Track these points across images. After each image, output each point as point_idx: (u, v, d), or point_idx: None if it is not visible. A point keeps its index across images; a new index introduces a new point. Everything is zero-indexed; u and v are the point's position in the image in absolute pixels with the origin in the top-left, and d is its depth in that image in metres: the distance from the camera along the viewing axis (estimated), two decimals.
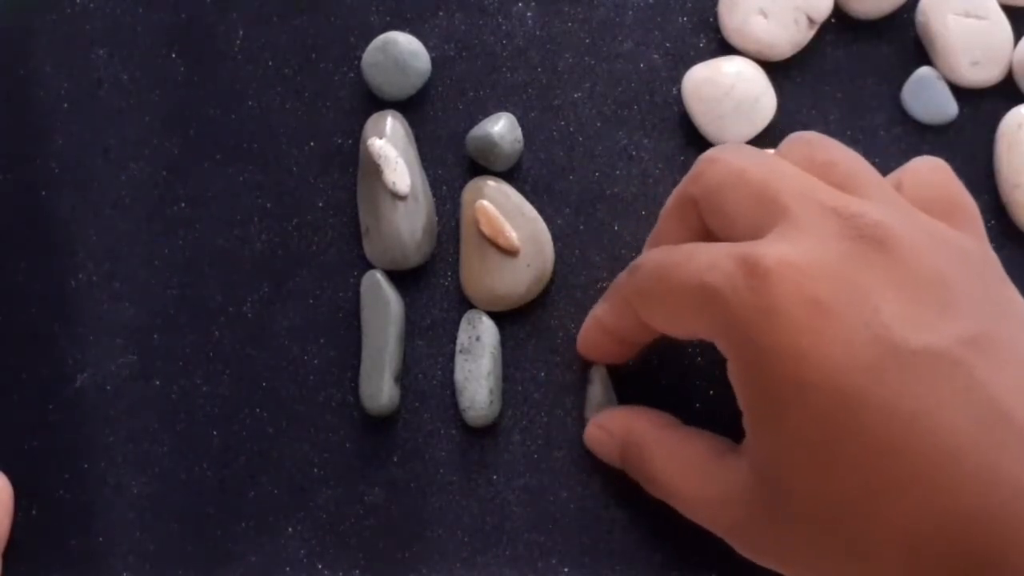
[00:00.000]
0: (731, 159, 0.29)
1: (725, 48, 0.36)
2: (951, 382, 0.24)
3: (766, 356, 0.25)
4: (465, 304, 0.35)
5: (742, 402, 0.27)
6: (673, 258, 0.28)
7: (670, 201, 0.31)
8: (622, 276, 0.31)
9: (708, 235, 0.29)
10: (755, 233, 0.27)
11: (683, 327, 0.29)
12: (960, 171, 0.30)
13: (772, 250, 0.26)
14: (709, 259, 0.27)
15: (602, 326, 0.32)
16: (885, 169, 0.30)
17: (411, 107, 0.36)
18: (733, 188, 0.28)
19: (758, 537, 0.28)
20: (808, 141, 0.29)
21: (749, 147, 0.30)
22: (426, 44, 0.36)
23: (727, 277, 0.26)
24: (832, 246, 0.26)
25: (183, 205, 0.36)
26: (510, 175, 0.35)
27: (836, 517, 0.25)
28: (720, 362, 0.28)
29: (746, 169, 0.28)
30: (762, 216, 0.27)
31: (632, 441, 0.32)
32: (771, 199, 0.27)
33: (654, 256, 0.29)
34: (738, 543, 0.28)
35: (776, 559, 0.28)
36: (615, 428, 0.32)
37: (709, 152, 0.29)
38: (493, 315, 0.35)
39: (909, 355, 0.24)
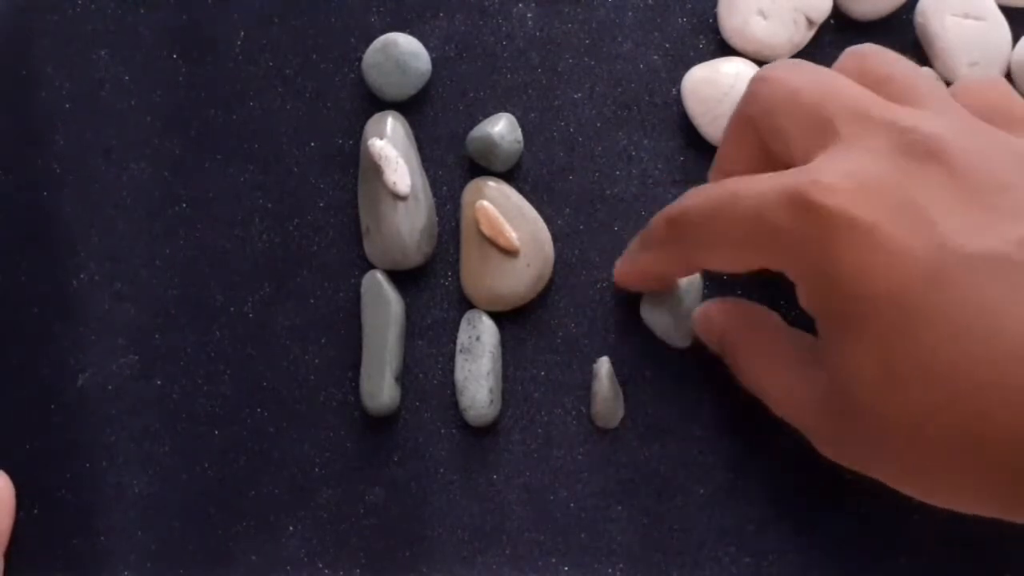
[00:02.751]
0: (784, 78, 0.29)
1: (724, 49, 0.36)
2: (1015, 283, 0.24)
3: (830, 280, 0.26)
4: (465, 304, 0.35)
5: (816, 322, 0.28)
6: (719, 200, 0.28)
7: (729, 124, 0.31)
8: (659, 225, 0.31)
9: (769, 153, 0.30)
10: (810, 153, 0.27)
11: (742, 264, 0.29)
12: None
13: (824, 175, 0.26)
14: (756, 196, 0.27)
15: (645, 272, 0.33)
16: None
17: (411, 108, 0.36)
18: (787, 110, 0.28)
19: (835, 440, 0.28)
20: (864, 55, 0.30)
21: (804, 63, 0.30)
22: (426, 45, 0.36)
23: (777, 213, 0.26)
24: (886, 163, 0.26)
25: (184, 205, 0.36)
26: (510, 175, 0.36)
27: (910, 426, 0.25)
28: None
29: (799, 89, 0.28)
30: (816, 137, 0.27)
31: (730, 336, 0.32)
32: (825, 120, 0.27)
33: (697, 201, 0.29)
34: (817, 443, 0.29)
35: (852, 462, 0.28)
36: (719, 318, 0.33)
37: (762, 70, 0.30)
38: (493, 315, 0.35)
39: (970, 260, 0.24)
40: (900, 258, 0.25)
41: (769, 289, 0.34)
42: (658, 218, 0.31)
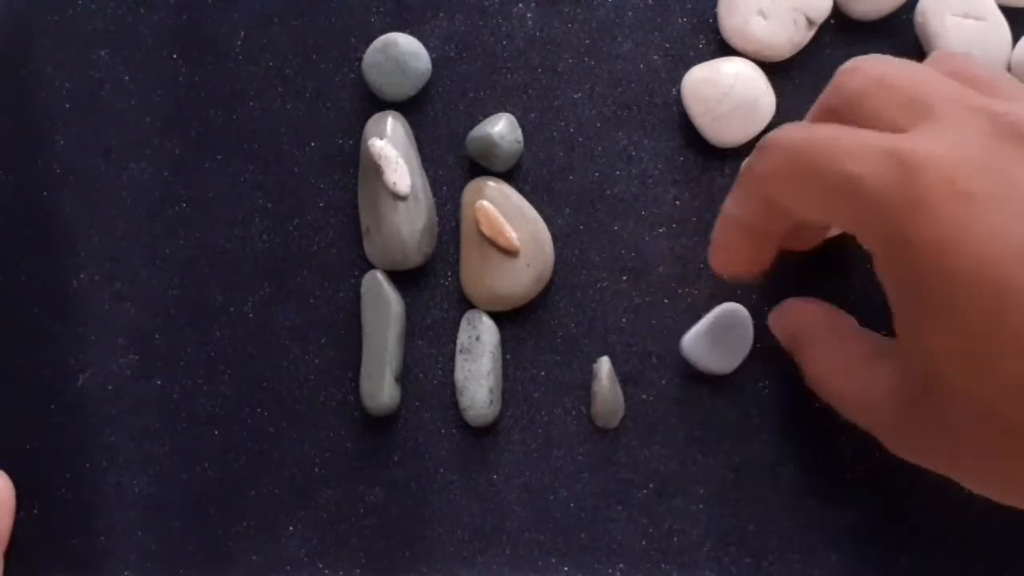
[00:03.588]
0: (871, 67, 0.29)
1: (724, 49, 0.36)
2: None
3: (915, 249, 0.25)
4: (465, 304, 0.35)
5: (891, 298, 0.27)
6: (814, 138, 0.28)
7: (810, 115, 0.30)
8: (752, 158, 0.30)
9: None
10: (904, 129, 0.27)
11: (821, 213, 0.28)
12: None
13: (921, 144, 0.26)
14: (854, 145, 0.27)
15: (734, 220, 0.31)
16: None
17: (411, 108, 0.36)
18: (876, 92, 0.28)
19: (907, 436, 0.28)
20: (950, 57, 0.30)
21: (889, 56, 0.30)
22: (426, 45, 0.36)
23: (874, 167, 0.26)
24: (980, 141, 0.26)
25: (184, 205, 0.36)
26: (510, 175, 0.36)
27: (992, 410, 0.25)
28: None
29: (887, 74, 0.28)
30: (907, 115, 0.27)
31: (797, 336, 0.32)
32: (916, 99, 0.27)
33: (792, 133, 0.29)
34: (886, 441, 0.29)
35: (926, 457, 0.28)
36: (791, 317, 0.32)
37: (848, 63, 0.29)
38: (493, 315, 0.35)
39: None
40: (994, 236, 0.24)
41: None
42: (755, 149, 0.30)
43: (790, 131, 0.29)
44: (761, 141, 0.30)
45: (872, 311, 0.31)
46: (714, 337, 0.34)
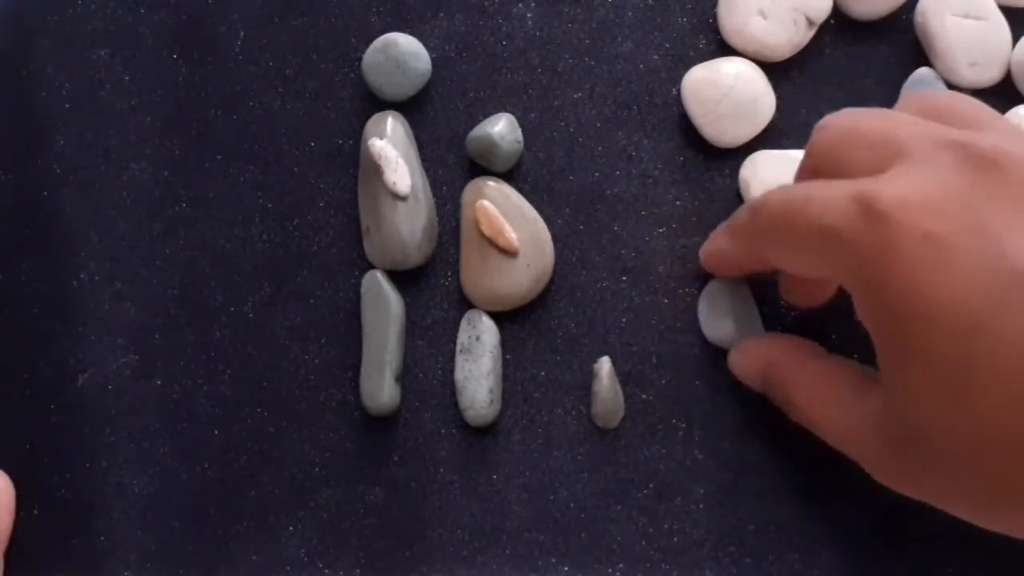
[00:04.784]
0: (841, 120, 0.29)
1: (724, 49, 0.36)
2: None
3: (891, 294, 0.26)
4: (465, 304, 0.35)
5: (874, 339, 0.27)
6: (791, 198, 0.28)
7: (796, 179, 0.31)
8: (742, 215, 0.31)
9: None
10: (878, 172, 0.27)
11: (807, 267, 0.29)
12: None
13: (888, 187, 0.26)
14: (827, 199, 0.27)
15: (725, 257, 0.33)
16: None
17: (411, 108, 0.36)
18: (849, 143, 0.28)
19: (895, 469, 0.28)
20: (918, 96, 0.30)
21: (858, 107, 0.30)
22: (426, 45, 0.36)
23: (845, 217, 0.26)
24: (950, 176, 0.26)
25: (184, 205, 0.36)
26: (510, 175, 0.36)
27: (974, 449, 0.25)
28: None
29: (858, 122, 0.28)
30: (881, 159, 0.27)
31: (774, 370, 0.32)
32: (887, 140, 0.27)
33: (775, 197, 0.29)
34: (875, 473, 0.29)
35: (914, 490, 0.28)
36: (758, 355, 0.33)
37: (819, 122, 0.30)
38: (493, 315, 0.35)
39: None
40: (966, 275, 0.25)
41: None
42: (744, 206, 0.31)
43: (772, 195, 0.30)
44: (751, 203, 0.31)
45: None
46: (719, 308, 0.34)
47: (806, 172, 0.30)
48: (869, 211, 0.26)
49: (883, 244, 0.25)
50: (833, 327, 0.34)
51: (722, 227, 0.33)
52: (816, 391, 0.30)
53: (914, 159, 0.27)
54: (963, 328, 0.25)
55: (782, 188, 0.30)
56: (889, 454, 0.28)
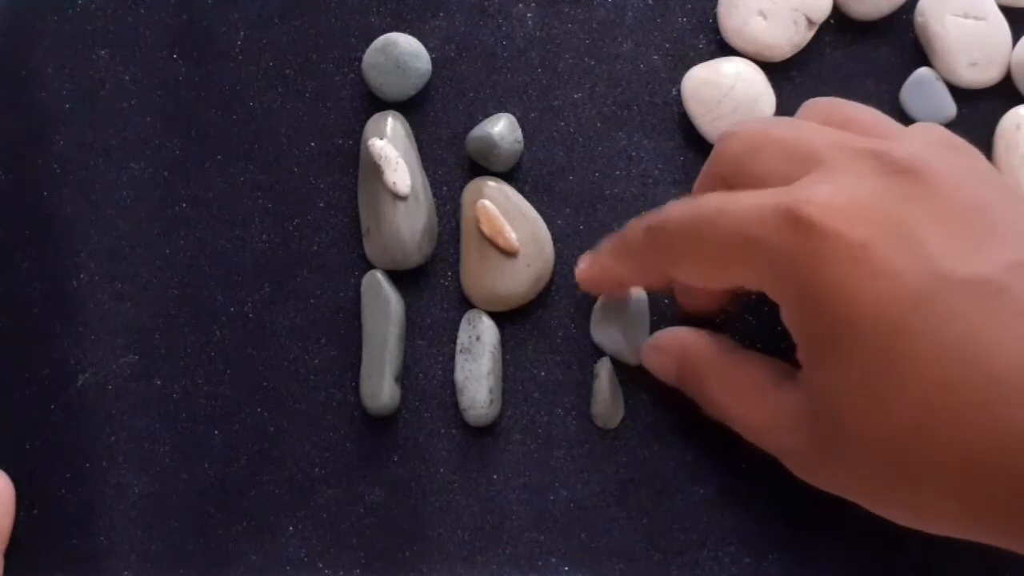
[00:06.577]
0: (750, 128, 0.29)
1: (725, 49, 0.36)
2: (999, 308, 0.24)
3: (816, 299, 0.26)
4: (465, 304, 0.35)
5: (797, 342, 0.27)
6: (699, 214, 0.28)
7: (697, 187, 0.31)
8: (635, 233, 0.30)
9: None
10: (792, 180, 0.27)
11: (718, 280, 0.29)
12: None
13: (812, 194, 0.26)
14: (746, 209, 0.27)
15: (612, 277, 0.32)
16: None
17: (411, 108, 0.36)
18: (759, 150, 0.28)
19: (813, 464, 0.28)
20: (825, 104, 0.30)
21: (763, 116, 0.30)
22: (426, 45, 0.36)
23: (769, 227, 0.26)
24: (870, 184, 0.26)
25: (184, 205, 0.36)
26: (510, 175, 0.36)
27: (893, 450, 0.25)
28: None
29: (768, 130, 0.28)
30: (795, 167, 0.27)
31: (689, 364, 0.32)
32: (802, 149, 0.27)
33: (679, 212, 0.29)
34: (793, 467, 0.29)
35: (832, 485, 0.28)
36: (672, 350, 0.32)
37: (724, 131, 0.30)
38: (493, 315, 0.35)
39: (956, 284, 0.24)
40: (889, 279, 0.25)
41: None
42: (635, 225, 0.31)
43: (674, 210, 0.29)
44: (646, 221, 0.30)
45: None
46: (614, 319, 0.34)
47: (709, 180, 0.30)
48: (795, 219, 0.26)
49: (810, 251, 0.26)
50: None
51: (606, 246, 0.32)
52: (730, 385, 0.30)
53: (831, 167, 0.27)
54: (888, 330, 0.25)
55: (682, 202, 0.29)
56: (808, 450, 0.28)
